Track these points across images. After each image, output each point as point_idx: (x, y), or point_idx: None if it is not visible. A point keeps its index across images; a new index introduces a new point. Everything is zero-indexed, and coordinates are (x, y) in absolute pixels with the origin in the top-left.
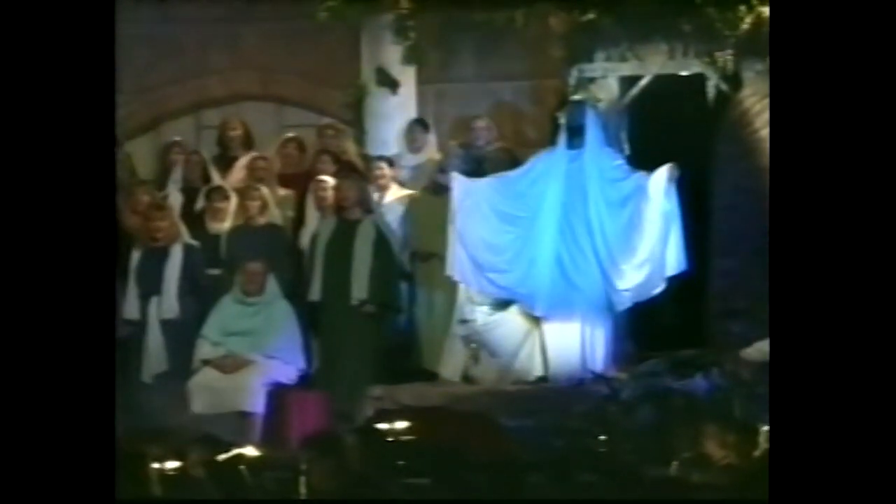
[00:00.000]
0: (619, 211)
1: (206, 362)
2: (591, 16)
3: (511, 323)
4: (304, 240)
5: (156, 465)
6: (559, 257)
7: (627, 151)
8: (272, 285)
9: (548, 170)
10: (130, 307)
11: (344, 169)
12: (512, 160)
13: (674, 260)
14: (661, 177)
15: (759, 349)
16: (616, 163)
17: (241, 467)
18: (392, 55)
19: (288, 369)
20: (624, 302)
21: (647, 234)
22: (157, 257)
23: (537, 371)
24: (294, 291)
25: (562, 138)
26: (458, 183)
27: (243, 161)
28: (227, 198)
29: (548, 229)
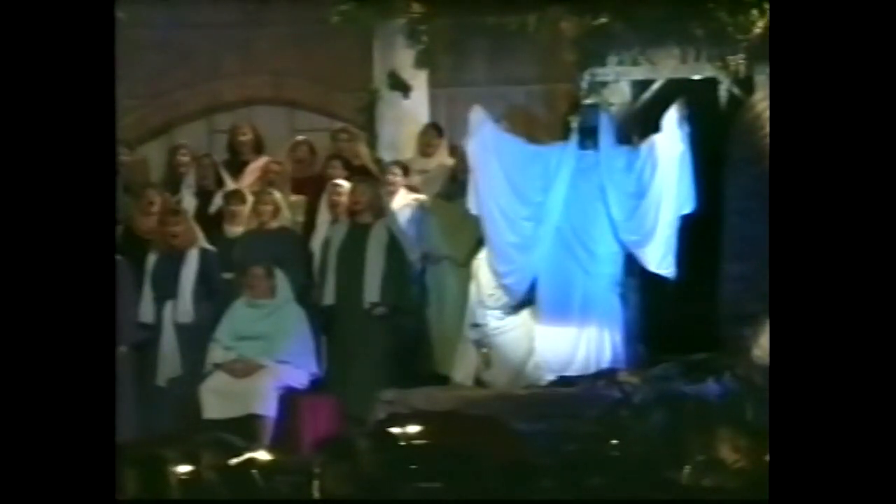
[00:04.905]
0: (637, 186)
1: (217, 366)
2: (603, 20)
3: (523, 327)
4: (316, 243)
5: (169, 469)
6: (572, 251)
7: None
8: (284, 289)
9: (558, 164)
10: (146, 311)
11: (356, 173)
12: None
13: (686, 199)
14: (672, 119)
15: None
16: (626, 153)
17: (254, 471)
18: (404, 59)
19: (300, 373)
20: (670, 271)
21: (666, 191)
22: (173, 261)
23: (549, 375)
24: (306, 295)
25: (574, 140)
26: (477, 113)
27: (255, 165)
28: (244, 201)
29: (553, 222)
